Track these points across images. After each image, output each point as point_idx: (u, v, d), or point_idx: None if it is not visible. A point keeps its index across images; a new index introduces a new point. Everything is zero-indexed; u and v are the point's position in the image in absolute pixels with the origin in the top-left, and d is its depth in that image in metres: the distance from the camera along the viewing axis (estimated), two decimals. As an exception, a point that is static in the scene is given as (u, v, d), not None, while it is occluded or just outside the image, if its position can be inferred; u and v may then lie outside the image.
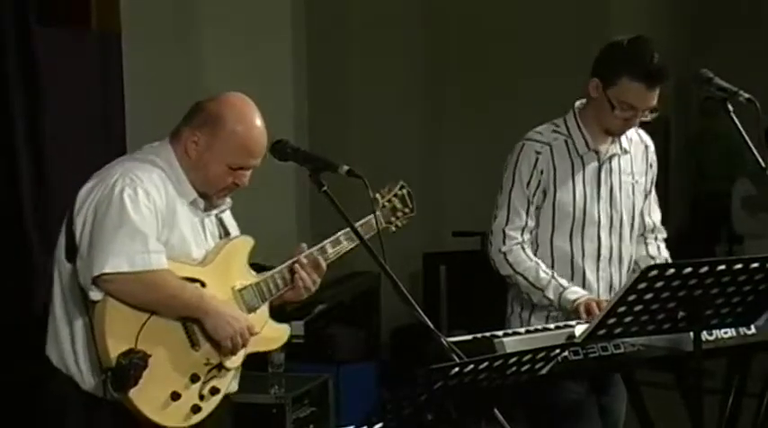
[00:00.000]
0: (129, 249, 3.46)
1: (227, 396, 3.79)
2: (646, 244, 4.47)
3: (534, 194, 4.25)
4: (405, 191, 4.20)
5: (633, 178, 4.38)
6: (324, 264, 3.87)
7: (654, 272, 3.58)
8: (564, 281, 4.23)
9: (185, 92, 6.68)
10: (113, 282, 3.46)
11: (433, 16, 9.52)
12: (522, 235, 4.26)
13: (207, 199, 3.75)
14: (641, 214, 4.43)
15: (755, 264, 3.69)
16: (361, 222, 3.86)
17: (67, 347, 3.60)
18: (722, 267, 3.65)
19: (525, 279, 4.24)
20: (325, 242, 3.89)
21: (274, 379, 5.93)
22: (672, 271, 3.59)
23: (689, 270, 3.60)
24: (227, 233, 3.84)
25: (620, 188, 4.35)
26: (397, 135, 8.90)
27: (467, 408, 3.26)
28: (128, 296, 3.49)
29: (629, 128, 4.27)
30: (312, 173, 3.60)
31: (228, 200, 3.85)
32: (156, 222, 3.55)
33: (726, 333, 4.07)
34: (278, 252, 3.94)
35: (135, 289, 3.49)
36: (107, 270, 3.44)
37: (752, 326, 4.06)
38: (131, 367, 3.45)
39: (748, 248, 8.44)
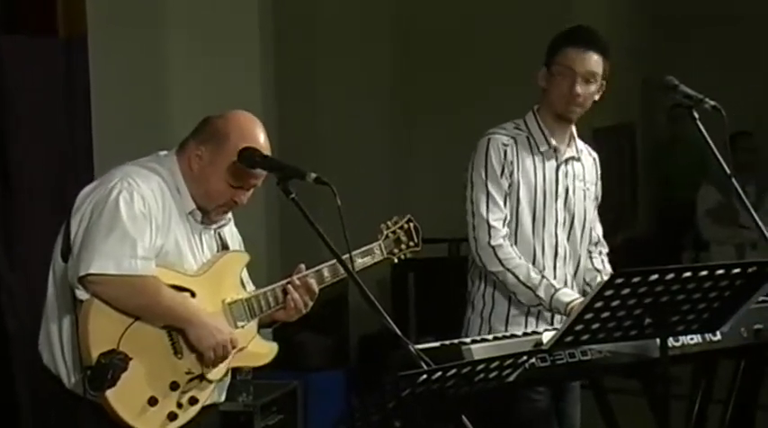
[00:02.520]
0: (118, 252, 3.49)
1: (214, 406, 3.80)
2: (590, 257, 4.50)
3: (509, 184, 4.28)
4: (412, 225, 4.20)
5: (585, 185, 4.44)
6: (316, 288, 3.86)
7: (620, 279, 3.59)
8: (555, 282, 4.25)
9: (153, 96, 6.69)
10: (99, 284, 3.49)
11: (403, 21, 9.54)
12: (504, 226, 4.27)
13: (205, 213, 3.76)
14: (590, 225, 4.46)
15: (721, 271, 3.72)
16: (359, 251, 3.87)
17: (56, 345, 3.62)
18: (688, 274, 3.67)
19: (515, 276, 4.24)
20: (323, 266, 3.89)
21: (242, 387, 5.91)
22: (638, 278, 3.60)
23: (655, 277, 3.62)
24: (224, 247, 3.85)
25: (575, 192, 4.40)
26: (366, 142, 8.90)
27: (435, 415, 3.27)
28: (112, 298, 3.51)
29: (576, 101, 4.26)
30: (280, 181, 3.60)
31: (229, 215, 3.86)
32: (149, 228, 3.57)
33: (692, 339, 4.09)
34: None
35: (119, 293, 3.51)
36: (93, 270, 3.47)
37: (717, 333, 4.09)
38: (111, 367, 3.47)
39: (714, 255, 8.49)
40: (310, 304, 3.88)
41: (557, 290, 4.21)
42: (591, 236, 4.49)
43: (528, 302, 4.26)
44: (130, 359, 3.51)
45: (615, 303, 3.64)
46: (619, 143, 10.56)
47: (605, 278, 4.36)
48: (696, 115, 4.21)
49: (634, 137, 11.42)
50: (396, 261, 4.16)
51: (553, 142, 4.33)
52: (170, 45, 7.03)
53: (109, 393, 3.48)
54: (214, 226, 3.81)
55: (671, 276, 3.64)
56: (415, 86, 9.59)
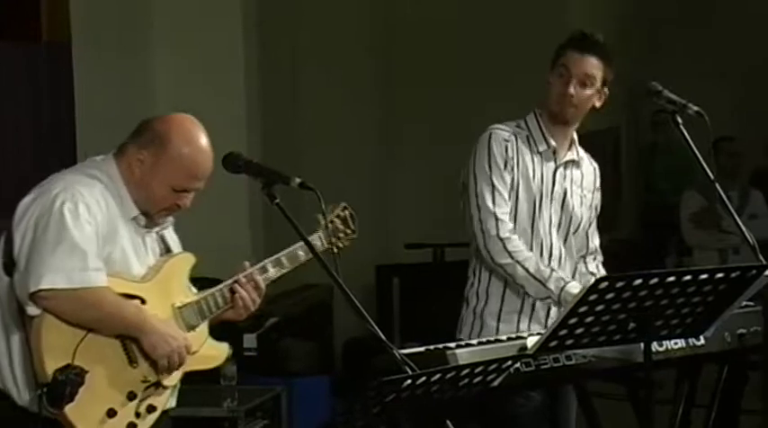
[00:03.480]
0: (68, 265, 3.42)
1: (165, 412, 3.75)
2: (585, 262, 4.51)
3: (511, 178, 4.28)
4: (347, 212, 4.15)
5: (582, 192, 4.44)
6: (263, 285, 3.83)
7: (604, 284, 3.60)
8: (563, 274, 4.26)
9: (137, 101, 6.69)
10: (50, 299, 3.42)
11: (386, 24, 9.55)
12: (509, 219, 4.27)
13: (148, 217, 3.71)
14: (585, 232, 4.47)
15: (704, 276, 3.73)
16: (299, 244, 3.83)
17: (4, 361, 3.54)
18: (672, 279, 3.68)
19: (525, 269, 4.23)
20: (267, 261, 3.87)
21: (227, 392, 5.91)
22: (622, 282, 3.61)
23: (639, 281, 3.62)
24: (167, 250, 3.80)
25: (572, 195, 4.41)
26: (350, 147, 8.91)
27: (420, 420, 3.27)
28: (65, 313, 3.45)
29: (569, 101, 4.28)
30: (264, 186, 3.59)
31: (170, 217, 3.81)
32: (96, 237, 3.51)
33: (675, 344, 4.10)
34: (231, 266, 3.92)
35: (72, 307, 3.44)
36: (44, 286, 3.40)
37: (701, 337, 4.10)
38: (68, 383, 3.40)
39: (697, 260, 8.50)
40: (258, 301, 3.83)
41: (566, 283, 4.21)
42: (588, 244, 4.49)
43: (536, 295, 4.25)
44: (86, 372, 3.44)
45: (599, 308, 3.64)
46: (603, 147, 10.58)
47: None
48: (680, 121, 4.23)
49: (619, 141, 11.44)
50: (335, 250, 4.06)
51: (552, 143, 4.34)
52: (154, 51, 7.03)
53: (68, 409, 3.42)
54: (156, 229, 3.76)
55: (655, 281, 3.64)
56: (399, 91, 9.60)
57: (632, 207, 11.56)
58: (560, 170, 4.38)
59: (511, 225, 4.27)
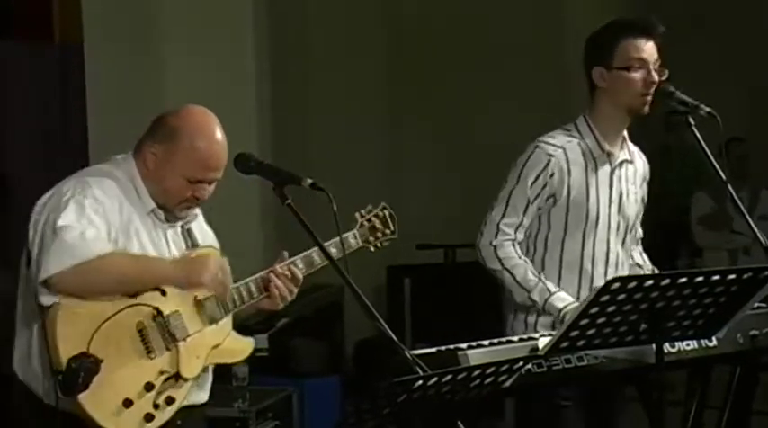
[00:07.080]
0: (69, 244, 3.45)
1: (199, 408, 3.77)
2: (632, 254, 4.50)
3: (537, 196, 4.24)
4: (386, 212, 4.19)
5: (636, 187, 4.42)
6: (300, 275, 3.87)
7: (616, 285, 3.60)
8: (551, 285, 4.22)
9: (149, 102, 6.70)
10: (64, 281, 3.45)
11: (397, 31, 9.55)
12: (515, 232, 4.25)
13: (167, 211, 3.73)
14: (634, 224, 4.46)
15: (716, 277, 3.73)
16: (333, 241, 3.85)
17: (24, 351, 3.59)
18: (683, 280, 3.67)
19: (512, 276, 4.23)
20: (297, 257, 3.89)
21: (238, 393, 5.92)
22: (634, 283, 3.61)
23: (650, 282, 3.62)
24: (194, 244, 3.81)
25: (628, 195, 4.38)
26: (361, 148, 8.91)
27: (431, 421, 3.27)
28: (83, 289, 3.47)
29: (649, 92, 4.23)
30: (276, 187, 3.60)
31: (196, 211, 3.83)
32: (101, 222, 3.55)
33: (687, 345, 4.09)
34: (242, 267, 3.93)
35: (88, 280, 3.46)
36: (52, 271, 3.44)
37: (713, 339, 4.09)
38: (82, 370, 3.41)
39: (708, 261, 8.49)
40: (295, 291, 3.88)
41: (551, 294, 4.19)
42: (635, 236, 4.49)
43: (522, 303, 4.26)
44: (101, 361, 3.44)
45: (611, 309, 3.64)
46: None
47: (647, 273, 4.39)
48: (692, 122, 4.22)
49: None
50: (372, 249, 4.11)
51: (606, 147, 4.31)
52: (166, 51, 7.04)
53: (82, 397, 3.43)
54: (179, 223, 3.78)
55: (666, 282, 3.64)
56: (410, 94, 9.60)
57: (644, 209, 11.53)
58: (616, 171, 4.35)
59: (513, 237, 4.25)
